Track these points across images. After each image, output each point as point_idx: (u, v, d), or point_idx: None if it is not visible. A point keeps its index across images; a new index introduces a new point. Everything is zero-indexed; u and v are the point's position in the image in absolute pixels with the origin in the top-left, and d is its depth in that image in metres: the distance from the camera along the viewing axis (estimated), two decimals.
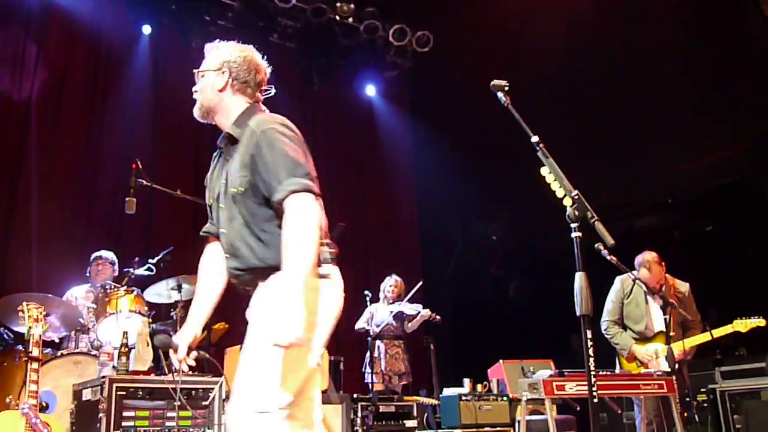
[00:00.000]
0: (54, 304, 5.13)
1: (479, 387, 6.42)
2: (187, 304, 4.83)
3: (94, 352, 5.13)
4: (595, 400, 2.56)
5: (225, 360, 5.24)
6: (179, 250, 6.21)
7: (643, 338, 5.36)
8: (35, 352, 4.07)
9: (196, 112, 2.71)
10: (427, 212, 10.28)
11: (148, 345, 5.44)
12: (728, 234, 7.44)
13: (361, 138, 10.22)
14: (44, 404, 4.27)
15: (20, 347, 5.14)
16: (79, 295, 5.89)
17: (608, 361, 5.49)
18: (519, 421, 5.59)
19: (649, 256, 5.43)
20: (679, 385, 4.81)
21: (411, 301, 6.97)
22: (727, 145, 7.47)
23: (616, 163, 7.95)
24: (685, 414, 4.90)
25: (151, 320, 5.55)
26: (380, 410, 5.86)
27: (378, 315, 6.92)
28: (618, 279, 5.53)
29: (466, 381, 6.38)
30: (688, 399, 5.27)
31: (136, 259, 6.09)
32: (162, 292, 5.72)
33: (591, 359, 2.52)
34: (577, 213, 2.55)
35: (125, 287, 5.73)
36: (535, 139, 2.71)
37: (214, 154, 2.72)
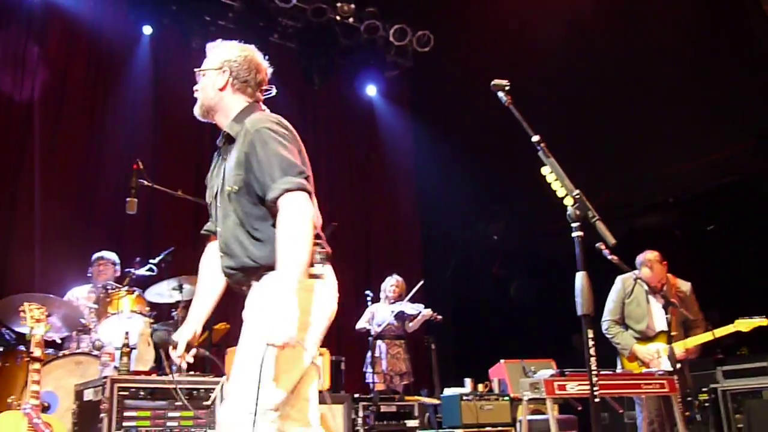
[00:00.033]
0: (55, 304, 5.13)
1: (480, 387, 6.42)
2: (188, 304, 4.82)
3: (95, 353, 5.13)
4: (597, 400, 2.56)
5: (226, 360, 5.24)
6: (180, 250, 6.21)
7: (644, 338, 5.35)
8: (37, 352, 4.07)
9: (197, 111, 2.72)
10: (427, 212, 10.28)
11: (149, 345, 5.44)
12: (730, 233, 7.43)
13: (362, 138, 10.22)
14: (46, 404, 4.26)
15: (22, 348, 5.14)
16: (80, 295, 5.90)
17: (609, 360, 5.49)
18: (520, 421, 5.60)
19: (650, 255, 5.42)
20: (681, 384, 4.80)
21: (412, 300, 6.97)
22: (729, 144, 7.47)
23: (618, 162, 7.95)
24: (687, 413, 4.90)
25: (152, 320, 5.55)
26: (381, 410, 5.87)
27: (379, 315, 6.93)
28: (619, 278, 5.53)
29: (467, 381, 6.38)
30: (689, 398, 5.27)
31: (137, 259, 6.10)
32: (163, 292, 5.72)
33: (592, 359, 2.52)
34: (578, 212, 2.55)
35: (126, 288, 5.74)
36: (535, 138, 2.71)
37: (215, 153, 2.73)
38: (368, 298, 7.01)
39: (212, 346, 5.43)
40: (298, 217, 2.34)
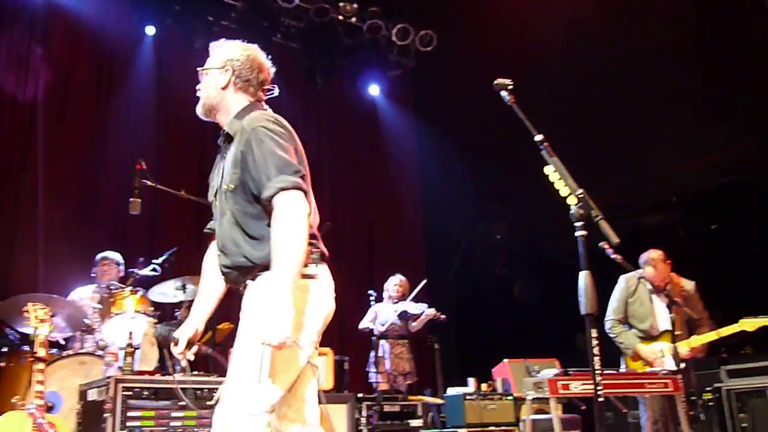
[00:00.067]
0: (59, 304, 5.14)
1: (484, 386, 6.42)
2: (191, 304, 4.83)
3: (99, 353, 5.14)
4: (601, 399, 2.55)
5: (230, 360, 5.25)
6: (183, 250, 6.22)
7: (648, 337, 5.35)
8: (41, 352, 4.08)
9: (199, 110, 2.74)
10: (431, 212, 10.28)
11: (153, 345, 5.45)
12: (733, 232, 7.41)
13: (365, 138, 10.22)
14: (50, 404, 4.27)
15: (26, 348, 5.16)
16: (85, 295, 5.90)
17: (613, 360, 5.48)
18: (524, 421, 5.60)
19: (654, 254, 5.41)
20: (686, 383, 4.80)
21: (415, 300, 6.97)
22: (732, 143, 7.45)
23: (620, 161, 7.94)
24: (691, 413, 4.89)
25: (156, 320, 5.56)
26: (385, 410, 5.87)
27: (382, 314, 6.93)
28: (623, 278, 5.52)
29: (471, 380, 6.38)
30: (693, 398, 5.26)
31: (141, 259, 6.10)
32: (166, 291, 5.73)
33: (596, 358, 2.52)
34: (581, 212, 2.55)
35: (130, 288, 5.75)
36: (539, 137, 2.70)
37: (218, 153, 2.74)
38: (371, 298, 7.01)
39: (216, 345, 5.44)
40: (293, 215, 2.34)
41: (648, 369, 5.17)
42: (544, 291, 8.82)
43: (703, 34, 7.35)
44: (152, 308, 5.80)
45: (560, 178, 2.62)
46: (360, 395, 5.80)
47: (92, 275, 6.10)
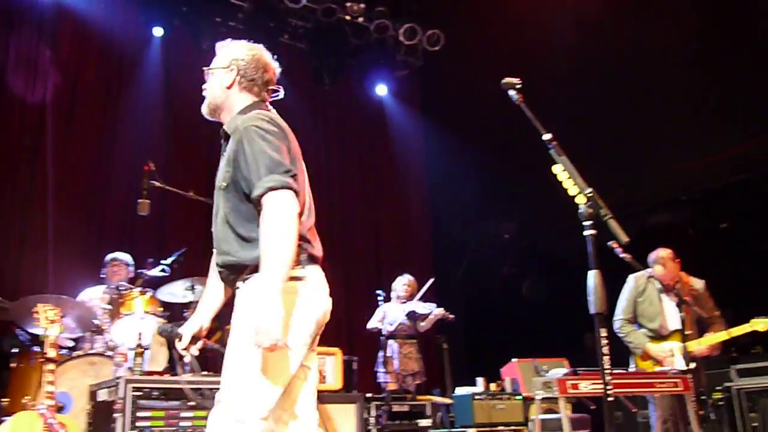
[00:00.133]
0: (69, 305, 5.16)
1: (493, 386, 6.41)
2: None
3: (109, 353, 5.16)
4: (610, 399, 2.55)
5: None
6: (192, 251, 6.23)
7: (657, 336, 5.32)
8: (51, 353, 4.10)
9: (204, 110, 2.74)
10: (438, 211, 10.27)
11: (162, 346, 5.47)
12: (744, 231, 7.37)
13: (372, 137, 10.23)
14: (60, 405, 4.29)
15: (36, 348, 5.18)
16: (94, 296, 5.92)
17: (622, 359, 5.46)
18: (533, 420, 5.59)
19: (663, 252, 5.39)
20: (696, 383, 4.78)
21: (423, 299, 6.97)
22: (742, 140, 7.41)
23: (629, 160, 7.91)
24: (701, 412, 4.87)
25: (165, 321, 5.57)
26: (394, 410, 5.87)
27: (390, 314, 6.93)
28: (631, 277, 5.50)
29: (480, 380, 6.37)
30: (703, 397, 5.23)
31: (150, 260, 6.12)
32: (175, 291, 5.74)
33: (605, 357, 2.51)
34: (590, 210, 2.54)
35: (139, 288, 5.76)
36: (547, 136, 2.69)
37: None
38: (379, 298, 7.01)
39: (225, 346, 5.44)
40: (282, 215, 2.31)
41: (658, 368, 5.15)
42: (552, 290, 8.79)
43: (714, 31, 7.32)
44: (161, 309, 5.81)
45: (569, 177, 2.61)
46: (369, 395, 5.79)
47: (102, 276, 6.12)
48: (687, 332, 4.98)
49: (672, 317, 5.26)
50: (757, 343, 6.43)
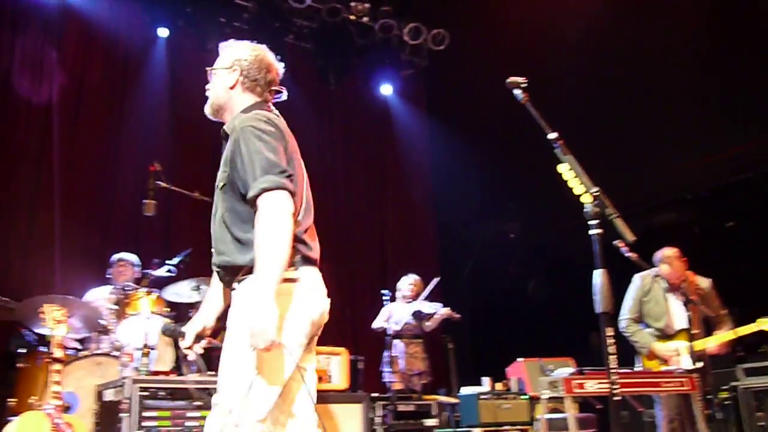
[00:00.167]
0: (75, 305, 5.16)
1: (498, 385, 6.40)
2: None
3: (115, 353, 5.17)
4: (616, 398, 2.54)
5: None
6: (198, 251, 6.23)
7: (664, 336, 5.31)
8: (58, 353, 4.11)
9: (207, 110, 2.75)
10: (444, 211, 10.26)
11: (168, 346, 5.48)
12: (750, 230, 7.35)
13: (378, 137, 10.22)
14: (67, 405, 4.30)
15: (43, 349, 5.19)
16: (101, 296, 5.93)
17: (628, 358, 5.45)
18: (539, 420, 5.58)
19: (669, 251, 5.38)
20: (702, 382, 4.76)
21: (428, 299, 6.97)
22: (749, 139, 7.39)
23: (634, 159, 7.89)
24: (707, 411, 4.85)
25: (171, 321, 5.58)
26: (399, 409, 5.87)
27: (396, 314, 6.92)
28: (637, 276, 5.48)
29: (486, 380, 6.37)
30: (710, 397, 5.22)
31: (156, 260, 6.13)
32: (181, 291, 5.75)
33: (611, 357, 2.51)
34: (596, 210, 2.54)
35: (146, 289, 5.77)
36: (552, 135, 2.69)
37: None
38: (385, 298, 7.00)
39: None
40: (276, 216, 2.31)
41: (664, 368, 5.13)
42: (558, 290, 8.79)
43: (720, 29, 7.30)
44: (167, 309, 5.82)
45: (575, 177, 2.60)
46: (374, 395, 5.79)
47: (108, 276, 6.13)
48: (693, 331, 4.96)
49: (678, 316, 5.24)
50: (763, 342, 6.41)
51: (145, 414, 4.16)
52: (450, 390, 6.89)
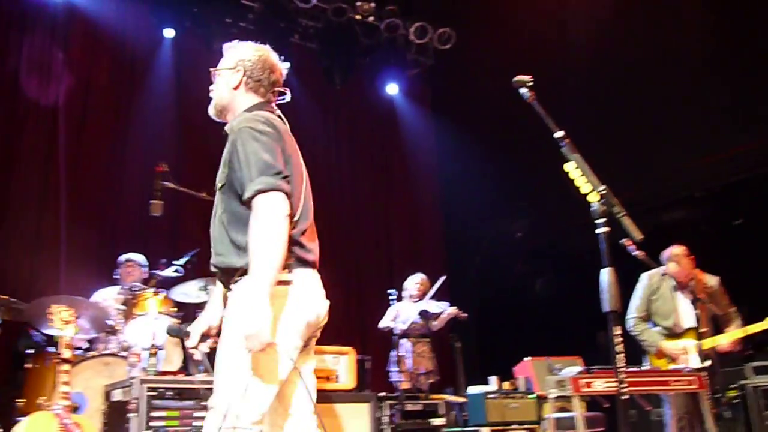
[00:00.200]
0: (83, 306, 5.18)
1: (506, 384, 6.40)
2: None
3: (123, 354, 5.18)
4: (624, 397, 2.53)
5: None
6: (205, 251, 6.22)
7: (672, 334, 5.29)
8: (66, 353, 4.12)
9: (211, 111, 2.76)
10: (450, 210, 10.25)
11: (176, 346, 5.49)
12: (759, 227, 7.31)
13: (384, 137, 10.22)
14: (75, 405, 4.32)
15: (51, 349, 5.21)
16: (109, 296, 5.95)
17: (636, 357, 5.43)
18: (546, 419, 5.57)
19: (677, 249, 5.36)
20: (711, 381, 4.75)
21: (435, 298, 6.97)
22: (757, 136, 7.35)
23: (642, 157, 7.87)
24: (716, 410, 4.84)
25: (179, 321, 5.59)
26: (407, 409, 5.86)
27: (403, 313, 6.92)
28: (645, 274, 5.47)
29: (493, 379, 6.36)
30: (718, 395, 5.20)
31: (163, 261, 6.14)
32: (189, 292, 5.76)
33: (619, 356, 2.50)
34: (603, 208, 2.53)
35: (153, 289, 5.79)
36: (559, 134, 2.68)
37: None
38: (392, 297, 7.00)
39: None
40: (270, 218, 2.31)
41: (672, 366, 5.12)
42: (566, 288, 8.75)
43: (727, 27, 7.27)
44: (175, 309, 5.83)
45: (582, 175, 2.59)
46: (382, 394, 5.79)
47: (115, 277, 6.15)
48: (702, 330, 4.94)
49: (686, 315, 5.23)
50: None
51: (153, 414, 4.17)
52: (457, 389, 6.89)
